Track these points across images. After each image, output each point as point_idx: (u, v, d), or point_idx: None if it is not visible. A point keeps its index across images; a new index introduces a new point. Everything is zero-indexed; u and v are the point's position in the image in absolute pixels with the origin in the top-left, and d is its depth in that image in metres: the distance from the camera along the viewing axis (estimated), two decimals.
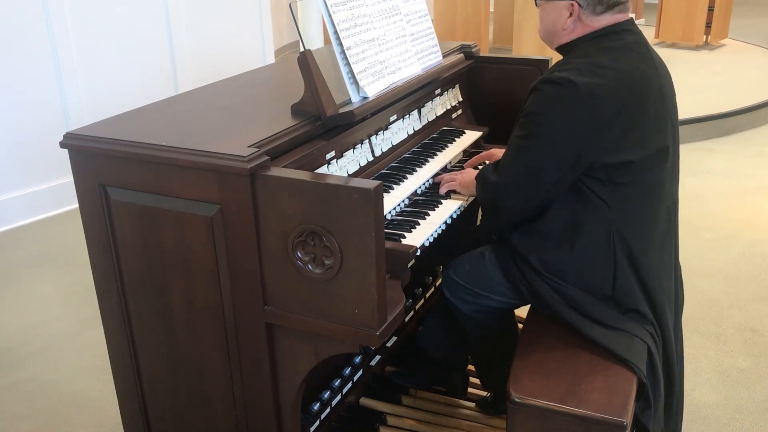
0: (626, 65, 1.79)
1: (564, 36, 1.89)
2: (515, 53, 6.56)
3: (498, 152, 2.28)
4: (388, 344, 2.38)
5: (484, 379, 2.36)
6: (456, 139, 2.41)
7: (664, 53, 6.13)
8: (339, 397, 2.10)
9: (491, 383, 2.34)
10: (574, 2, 1.83)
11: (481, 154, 2.31)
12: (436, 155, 2.26)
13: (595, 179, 1.79)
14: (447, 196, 2.10)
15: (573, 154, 1.75)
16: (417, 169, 2.14)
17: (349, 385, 2.15)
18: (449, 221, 1.99)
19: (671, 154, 1.89)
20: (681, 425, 2.16)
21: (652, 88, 1.82)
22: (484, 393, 2.41)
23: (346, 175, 1.92)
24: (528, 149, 1.80)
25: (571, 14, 1.85)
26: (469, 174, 2.12)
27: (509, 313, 2.22)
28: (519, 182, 1.82)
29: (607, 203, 1.81)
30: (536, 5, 1.94)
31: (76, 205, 1.83)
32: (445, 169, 2.25)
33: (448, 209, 2.02)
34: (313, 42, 6.08)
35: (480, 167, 2.32)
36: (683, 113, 4.75)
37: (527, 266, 1.90)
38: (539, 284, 1.89)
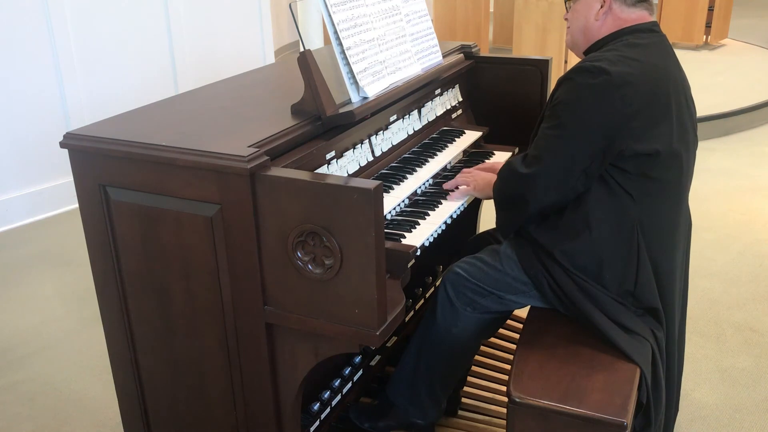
0: (655, 61, 1.81)
1: (596, 30, 1.90)
2: (515, 53, 6.56)
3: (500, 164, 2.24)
4: (388, 344, 2.38)
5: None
6: (456, 139, 2.41)
7: None
8: (339, 397, 2.10)
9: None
10: None
11: (483, 165, 2.27)
12: (436, 155, 2.26)
13: (623, 171, 1.78)
14: (446, 195, 2.09)
15: (603, 140, 1.74)
16: (417, 169, 2.14)
17: (349, 385, 2.15)
18: (449, 221, 1.99)
19: (692, 156, 1.89)
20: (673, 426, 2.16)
21: (678, 88, 1.84)
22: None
23: (346, 175, 1.92)
24: (559, 137, 1.78)
25: (602, 5, 1.87)
26: (483, 177, 2.09)
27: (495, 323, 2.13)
28: (550, 171, 1.79)
29: (632, 196, 1.79)
30: (566, 10, 1.97)
31: (76, 205, 1.83)
32: (445, 169, 2.25)
33: (448, 209, 2.01)
34: (313, 42, 6.09)
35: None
36: None
37: (552, 261, 1.86)
38: (564, 280, 1.85)
